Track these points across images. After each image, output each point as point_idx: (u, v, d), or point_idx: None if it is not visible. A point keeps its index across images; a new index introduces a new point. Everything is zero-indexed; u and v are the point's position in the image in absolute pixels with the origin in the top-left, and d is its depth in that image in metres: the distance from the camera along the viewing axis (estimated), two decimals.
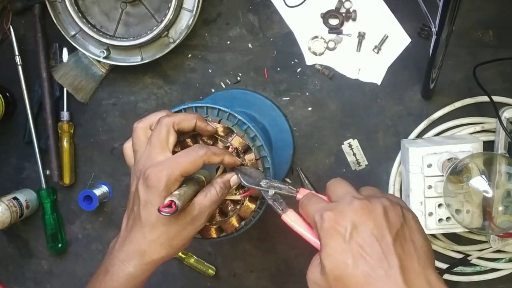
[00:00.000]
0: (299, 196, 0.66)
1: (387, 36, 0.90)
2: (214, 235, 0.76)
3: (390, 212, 0.57)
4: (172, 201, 0.62)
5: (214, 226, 0.76)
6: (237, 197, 0.75)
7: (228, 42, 0.93)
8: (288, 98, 0.93)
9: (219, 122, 0.74)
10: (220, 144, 0.74)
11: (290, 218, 0.65)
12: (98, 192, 0.96)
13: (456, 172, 0.76)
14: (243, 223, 0.76)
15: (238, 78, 0.94)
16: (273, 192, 0.68)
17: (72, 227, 1.01)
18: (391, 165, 0.92)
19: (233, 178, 0.70)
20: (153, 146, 0.67)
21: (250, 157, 0.74)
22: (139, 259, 0.66)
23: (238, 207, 0.76)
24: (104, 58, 0.91)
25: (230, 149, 0.73)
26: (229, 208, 0.76)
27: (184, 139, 0.75)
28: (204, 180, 0.73)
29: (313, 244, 0.62)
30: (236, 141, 0.74)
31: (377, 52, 0.90)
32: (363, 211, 0.56)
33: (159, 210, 0.61)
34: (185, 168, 0.65)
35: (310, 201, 0.63)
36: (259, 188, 0.69)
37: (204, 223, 0.68)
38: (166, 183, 0.64)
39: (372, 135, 0.92)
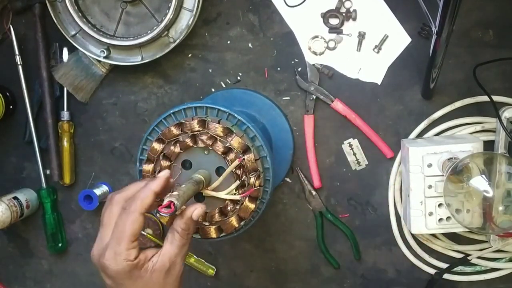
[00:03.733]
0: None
1: (387, 36, 0.90)
2: (214, 235, 0.76)
3: None
4: (171, 201, 0.62)
5: (214, 226, 0.76)
6: (237, 197, 0.75)
7: (228, 42, 0.93)
8: (288, 98, 0.93)
9: (218, 122, 0.74)
10: (219, 144, 0.74)
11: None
12: (98, 191, 0.96)
13: (456, 172, 0.76)
14: (242, 223, 0.76)
15: (238, 77, 0.94)
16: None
17: (72, 227, 1.01)
18: (391, 164, 0.92)
19: (195, 212, 0.66)
20: (103, 226, 0.67)
21: (249, 157, 0.74)
22: None
23: (237, 207, 0.75)
24: (104, 57, 0.91)
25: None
26: (229, 208, 0.76)
27: (184, 139, 0.75)
28: (203, 180, 0.72)
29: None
30: (235, 141, 0.74)
31: (377, 52, 0.90)
32: None
33: (158, 211, 0.61)
34: (131, 234, 0.63)
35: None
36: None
37: (181, 267, 0.67)
38: (123, 266, 0.64)
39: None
